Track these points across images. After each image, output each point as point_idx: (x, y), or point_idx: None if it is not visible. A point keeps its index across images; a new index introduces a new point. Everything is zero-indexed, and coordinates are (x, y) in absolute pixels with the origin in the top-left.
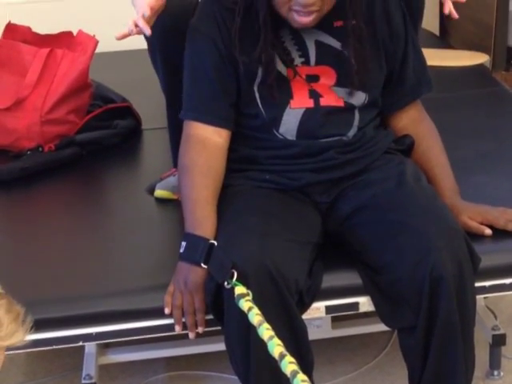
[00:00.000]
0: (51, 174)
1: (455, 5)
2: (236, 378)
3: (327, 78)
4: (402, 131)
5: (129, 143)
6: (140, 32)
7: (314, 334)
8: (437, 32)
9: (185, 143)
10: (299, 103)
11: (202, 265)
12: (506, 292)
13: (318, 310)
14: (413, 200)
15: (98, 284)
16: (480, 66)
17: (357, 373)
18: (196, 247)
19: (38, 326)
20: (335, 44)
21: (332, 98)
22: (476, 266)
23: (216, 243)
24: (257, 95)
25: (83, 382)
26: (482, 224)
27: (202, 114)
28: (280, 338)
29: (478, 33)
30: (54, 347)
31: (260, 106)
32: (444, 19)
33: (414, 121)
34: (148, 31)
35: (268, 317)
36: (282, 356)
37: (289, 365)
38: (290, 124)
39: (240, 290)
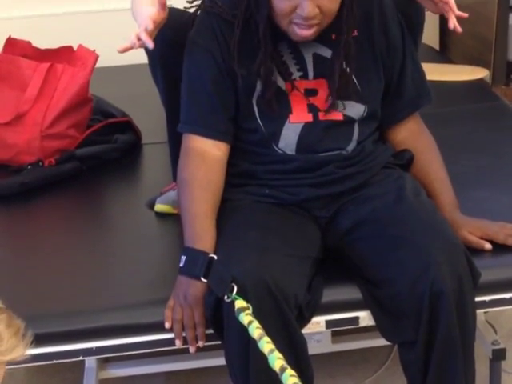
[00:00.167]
0: (51, 188)
1: (457, 19)
2: None
3: (325, 91)
4: (400, 144)
5: (129, 158)
6: (142, 45)
7: (314, 349)
8: (437, 47)
9: (184, 156)
10: (298, 117)
11: (202, 279)
12: (505, 306)
13: (318, 324)
14: (412, 215)
15: (98, 298)
16: (480, 81)
17: None
18: (196, 261)
19: (39, 340)
20: None
21: (331, 112)
22: (476, 281)
23: (216, 257)
24: (255, 109)
25: None
26: (481, 239)
27: (201, 127)
28: (280, 352)
29: (478, 47)
30: (55, 362)
31: (259, 120)
32: (444, 34)
33: (413, 133)
34: (151, 44)
35: (267, 331)
36: (283, 369)
37: (290, 378)
38: (289, 138)
39: (240, 303)
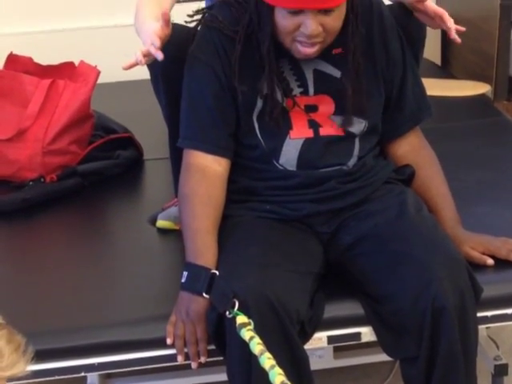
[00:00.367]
0: (53, 204)
1: (459, 33)
2: None
3: (326, 107)
4: (401, 158)
5: (131, 174)
6: (148, 62)
7: (316, 364)
8: (438, 62)
9: (185, 172)
10: (299, 133)
11: (204, 294)
12: (508, 322)
13: (320, 340)
14: (414, 230)
15: (100, 314)
16: (482, 96)
17: None
18: (197, 277)
19: (40, 356)
20: (334, 72)
21: (331, 128)
22: (478, 296)
23: (217, 273)
24: (256, 125)
25: None
26: (483, 254)
27: (201, 143)
28: (281, 367)
29: (480, 63)
30: (56, 378)
31: (259, 136)
32: (446, 49)
33: (415, 148)
34: (161, 55)
35: (269, 347)
36: None
37: None
38: (289, 154)
39: (241, 319)
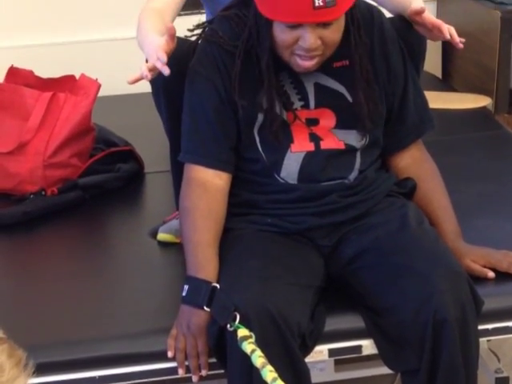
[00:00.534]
0: (54, 217)
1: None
2: None
3: (327, 120)
4: (403, 171)
5: (131, 187)
6: (154, 76)
7: (317, 377)
8: (439, 75)
9: (185, 186)
10: (300, 147)
11: (205, 308)
12: (509, 335)
13: (321, 353)
14: (415, 243)
15: (100, 327)
16: (482, 109)
17: None
18: (198, 290)
19: (40, 369)
20: (334, 85)
21: (332, 141)
22: (479, 309)
23: (218, 286)
24: (257, 139)
25: None
26: (484, 267)
27: (202, 157)
28: (283, 380)
29: (481, 75)
30: None
31: (260, 150)
32: (447, 62)
33: (416, 161)
34: (167, 71)
35: (270, 360)
36: None
37: None
38: (291, 168)
39: (243, 332)
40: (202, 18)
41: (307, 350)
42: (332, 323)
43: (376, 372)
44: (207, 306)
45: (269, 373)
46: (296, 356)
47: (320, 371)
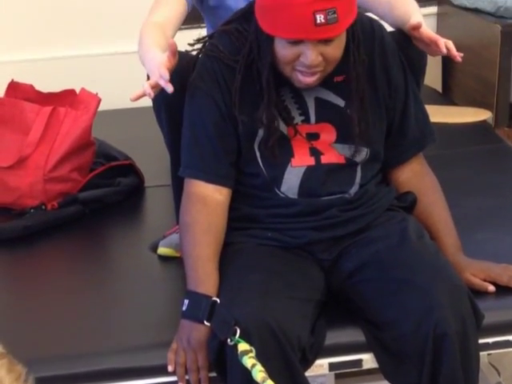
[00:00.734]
0: (54, 232)
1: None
2: None
3: (327, 135)
4: (404, 184)
5: (132, 201)
6: (156, 92)
7: None
8: (439, 89)
9: (186, 201)
10: (300, 161)
11: (205, 322)
12: (509, 348)
13: (321, 366)
14: (416, 257)
15: (100, 341)
16: (483, 123)
17: None
18: (198, 305)
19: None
20: (335, 100)
21: (333, 155)
22: (479, 323)
23: (218, 300)
24: (257, 154)
25: None
26: (485, 281)
27: (202, 172)
28: None
29: (481, 89)
30: None
31: (261, 164)
32: (447, 76)
33: (417, 174)
34: (171, 89)
35: (271, 374)
36: None
37: None
38: (291, 182)
39: (243, 346)
40: (202, 32)
41: (307, 363)
42: (332, 337)
43: None
44: (207, 321)
45: None
46: (296, 370)
47: None
